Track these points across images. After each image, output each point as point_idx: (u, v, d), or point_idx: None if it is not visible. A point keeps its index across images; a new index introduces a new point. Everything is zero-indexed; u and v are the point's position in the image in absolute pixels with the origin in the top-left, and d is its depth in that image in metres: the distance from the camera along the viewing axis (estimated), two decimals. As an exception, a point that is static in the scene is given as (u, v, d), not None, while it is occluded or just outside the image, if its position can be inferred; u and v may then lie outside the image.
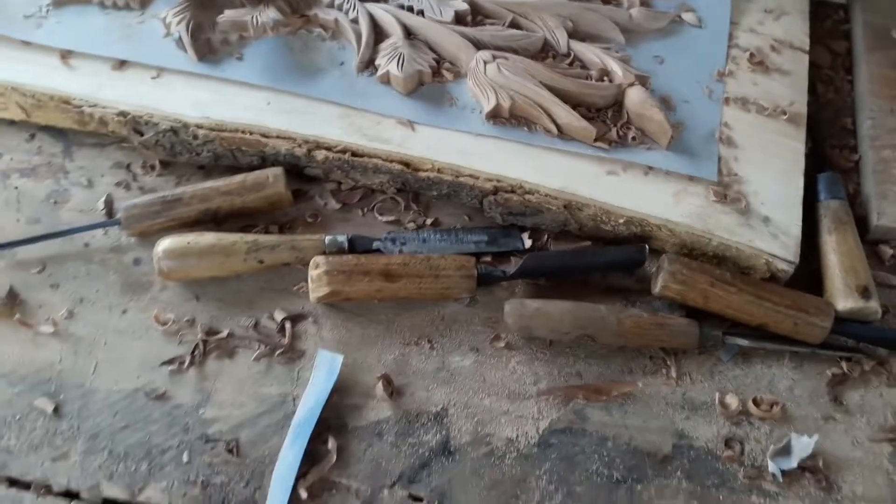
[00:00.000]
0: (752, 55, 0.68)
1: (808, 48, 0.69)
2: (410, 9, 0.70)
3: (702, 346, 0.57)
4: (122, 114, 0.65)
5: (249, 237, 0.60)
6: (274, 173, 0.63)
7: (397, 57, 0.66)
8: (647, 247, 0.59)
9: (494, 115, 0.65)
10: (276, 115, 0.65)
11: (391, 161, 0.63)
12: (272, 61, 0.68)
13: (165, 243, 0.59)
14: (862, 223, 0.62)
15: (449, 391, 0.56)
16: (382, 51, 0.67)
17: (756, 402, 0.54)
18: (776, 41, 0.70)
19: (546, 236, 0.63)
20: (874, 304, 0.55)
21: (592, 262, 0.60)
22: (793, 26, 0.71)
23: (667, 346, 0.57)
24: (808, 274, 0.59)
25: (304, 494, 0.52)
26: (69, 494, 0.53)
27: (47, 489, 0.53)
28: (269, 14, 0.69)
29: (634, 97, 0.63)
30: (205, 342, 0.58)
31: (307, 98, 0.66)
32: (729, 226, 0.59)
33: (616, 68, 0.65)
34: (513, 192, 0.62)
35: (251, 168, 0.65)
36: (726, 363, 0.57)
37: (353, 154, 0.63)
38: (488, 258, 0.62)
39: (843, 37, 0.75)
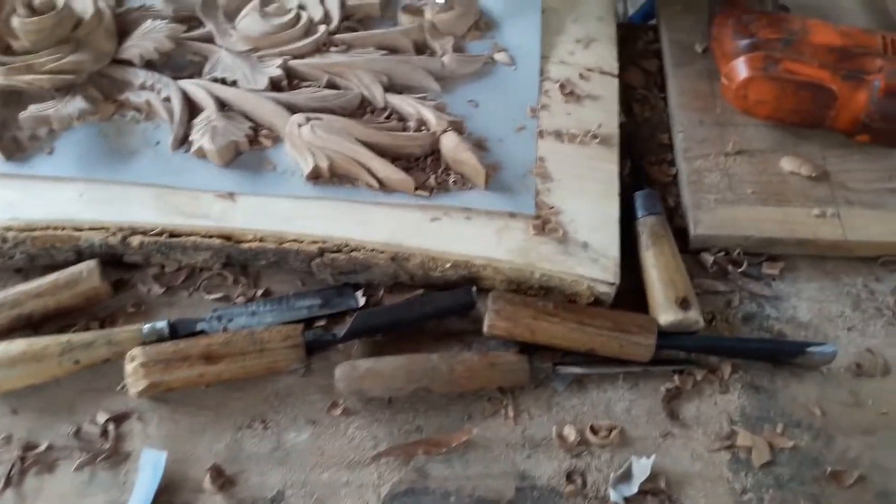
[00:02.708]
0: (562, 86, 0.70)
1: (616, 72, 0.72)
2: (224, 81, 0.70)
3: (535, 379, 0.56)
4: (-78, 228, 0.61)
5: (63, 338, 0.57)
6: (87, 268, 0.60)
7: (210, 130, 0.65)
8: (474, 288, 0.59)
9: (315, 177, 0.64)
10: (88, 206, 0.63)
11: (210, 236, 0.61)
12: (85, 151, 0.66)
13: (-31, 358, 0.55)
14: (684, 234, 0.64)
15: (285, 472, 0.53)
16: (196, 126, 0.66)
17: (594, 430, 0.54)
18: (586, 69, 0.72)
19: (381, 291, 0.62)
20: (694, 315, 0.56)
21: (423, 311, 0.59)
22: (602, 52, 0.73)
23: (502, 386, 0.56)
24: (636, 291, 0.60)
25: None
26: None
27: None
28: (75, 104, 0.67)
29: (448, 143, 0.64)
30: (22, 459, 0.54)
31: (121, 183, 0.64)
32: (549, 256, 0.59)
33: (430, 117, 0.66)
34: (339, 251, 0.61)
35: (68, 264, 0.62)
36: (562, 393, 0.56)
37: (171, 235, 0.61)
38: (323, 322, 0.61)
39: (654, 56, 0.78)
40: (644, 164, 0.69)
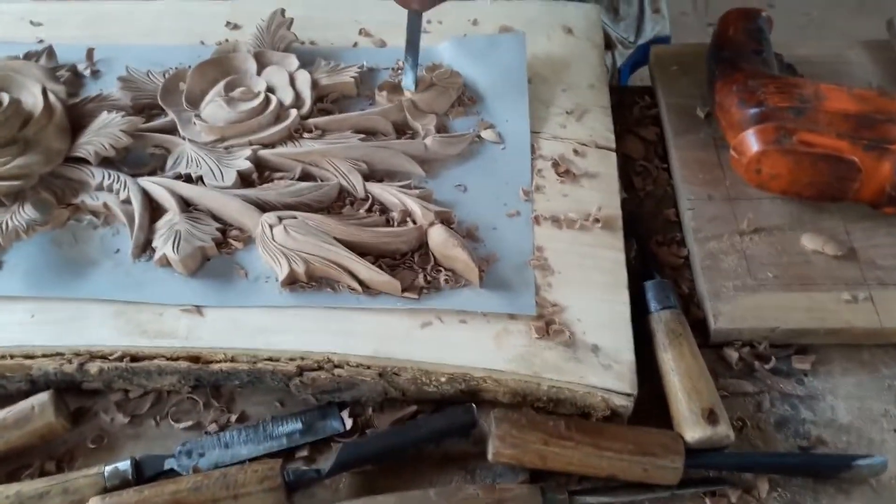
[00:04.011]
0: (556, 164, 0.64)
1: (613, 145, 0.66)
2: (188, 177, 0.64)
3: (551, 514, 0.50)
4: None
5: (10, 489, 0.50)
6: (39, 402, 0.54)
7: (173, 236, 0.59)
8: (474, 406, 0.52)
9: (290, 282, 0.58)
10: (41, 329, 0.57)
11: (176, 359, 0.55)
12: (37, 264, 0.60)
13: None
14: (702, 325, 0.58)
15: None
16: (159, 230, 0.60)
17: (620, 574, 0.47)
18: (580, 144, 0.66)
19: (369, 409, 0.56)
20: (723, 429, 0.50)
21: (417, 436, 0.52)
22: (596, 124, 0.68)
23: (512, 524, 0.50)
24: (654, 390, 0.54)
25: None
26: None
27: None
28: (24, 215, 0.61)
29: (436, 238, 0.58)
30: None
31: (77, 301, 0.58)
32: (556, 364, 0.53)
33: (415, 208, 0.60)
34: (320, 368, 0.54)
35: (21, 394, 0.56)
36: (582, 528, 0.50)
37: (133, 359, 0.55)
38: (306, 451, 0.54)
39: (652, 122, 0.73)
40: (651, 246, 0.63)
